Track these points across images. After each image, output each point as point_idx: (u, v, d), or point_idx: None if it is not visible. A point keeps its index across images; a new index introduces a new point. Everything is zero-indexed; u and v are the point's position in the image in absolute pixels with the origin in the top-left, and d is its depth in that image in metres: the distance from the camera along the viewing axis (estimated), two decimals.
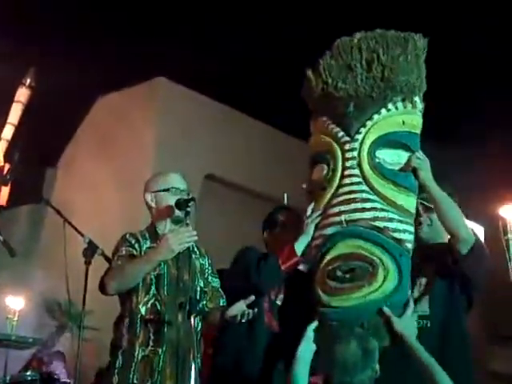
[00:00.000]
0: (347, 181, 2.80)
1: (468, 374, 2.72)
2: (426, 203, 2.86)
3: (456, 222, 2.73)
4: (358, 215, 2.76)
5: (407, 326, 2.52)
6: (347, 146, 2.83)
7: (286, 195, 3.40)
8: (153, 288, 2.77)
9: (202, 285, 2.88)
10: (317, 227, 2.82)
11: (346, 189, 2.79)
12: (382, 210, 2.77)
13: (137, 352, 2.70)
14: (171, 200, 2.84)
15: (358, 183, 2.79)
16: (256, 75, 9.88)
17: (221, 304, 2.89)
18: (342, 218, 2.77)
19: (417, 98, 2.93)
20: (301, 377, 2.41)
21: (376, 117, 2.85)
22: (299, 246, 2.81)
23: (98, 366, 5.55)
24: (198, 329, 2.74)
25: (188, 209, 2.74)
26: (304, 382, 2.40)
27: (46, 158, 11.82)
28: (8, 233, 11.01)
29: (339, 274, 2.66)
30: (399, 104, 2.88)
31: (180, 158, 9.78)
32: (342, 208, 2.78)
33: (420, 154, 2.74)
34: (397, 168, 2.82)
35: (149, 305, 2.75)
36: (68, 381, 4.72)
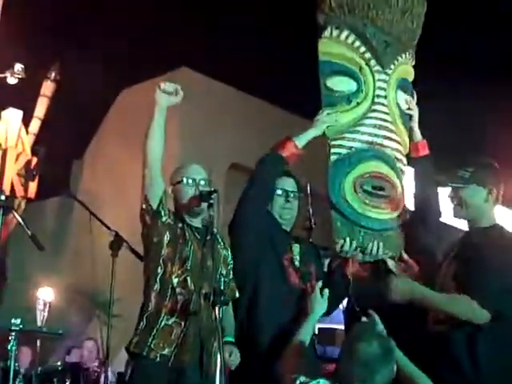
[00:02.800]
0: (378, 108, 3.03)
1: None
2: (453, 185, 2.85)
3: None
4: (386, 142, 3.02)
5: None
6: (379, 76, 3.05)
7: (309, 184, 3.40)
8: (187, 263, 2.82)
9: (224, 273, 2.92)
10: (337, 134, 3.00)
11: (379, 115, 3.03)
12: (399, 143, 3.07)
13: (161, 319, 2.75)
14: (187, 191, 2.89)
15: (387, 114, 3.04)
16: (279, 63, 9.85)
17: (236, 296, 2.96)
18: (374, 139, 3.00)
19: (413, 55, 3.24)
20: None
21: (400, 59, 3.12)
22: (302, 139, 2.99)
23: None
24: (221, 318, 2.77)
25: (211, 201, 2.77)
26: None
27: (72, 151, 11.95)
28: (36, 225, 11.16)
29: (370, 189, 2.91)
30: (409, 56, 3.18)
31: (204, 148, 9.80)
32: (375, 131, 3.01)
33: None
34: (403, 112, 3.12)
35: (181, 278, 2.80)
36: (97, 368, 4.80)
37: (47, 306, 7.06)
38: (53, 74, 9.30)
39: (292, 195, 3.08)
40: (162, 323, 2.77)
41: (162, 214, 2.83)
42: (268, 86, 10.41)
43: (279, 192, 3.05)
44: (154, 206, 2.82)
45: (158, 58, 10.67)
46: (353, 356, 2.28)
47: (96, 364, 5.01)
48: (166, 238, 2.84)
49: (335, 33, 3.04)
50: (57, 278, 9.51)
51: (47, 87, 9.31)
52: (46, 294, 7.95)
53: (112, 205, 9.59)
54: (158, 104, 2.84)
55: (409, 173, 3.26)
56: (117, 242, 3.11)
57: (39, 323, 6.47)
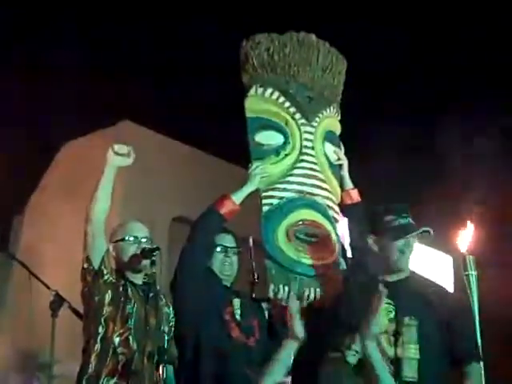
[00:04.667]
0: (307, 158, 3.16)
1: None
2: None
3: None
4: (316, 191, 3.14)
5: None
6: (305, 128, 3.19)
7: (251, 238, 3.44)
8: (129, 322, 2.79)
9: (166, 330, 2.90)
10: (267, 186, 3.08)
11: (307, 165, 3.16)
12: (331, 192, 3.19)
13: (101, 381, 2.70)
14: (129, 249, 2.89)
15: (315, 163, 3.17)
16: (220, 114, 9.98)
17: (176, 355, 2.95)
18: (304, 188, 3.10)
19: (339, 110, 3.39)
20: None
21: (325, 113, 3.28)
22: (239, 195, 3.02)
23: None
24: (165, 377, 2.75)
25: (153, 258, 2.77)
26: None
27: (11, 207, 11.69)
28: None
29: (304, 236, 2.99)
30: (334, 110, 3.34)
31: (147, 201, 9.73)
32: (304, 180, 3.13)
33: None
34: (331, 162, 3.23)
35: (123, 337, 2.76)
36: None
37: None
38: None
39: (231, 251, 3.11)
40: None
41: (104, 272, 2.81)
42: (211, 139, 10.53)
43: (218, 249, 3.08)
44: (96, 266, 2.80)
45: (98, 112, 10.67)
46: None
47: None
48: (108, 296, 2.81)
49: (260, 90, 3.19)
50: None
51: None
52: None
53: (53, 263, 9.37)
54: (109, 164, 2.85)
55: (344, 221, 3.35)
56: (57, 302, 3.07)
57: None
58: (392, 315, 2.67)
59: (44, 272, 3.94)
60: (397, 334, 2.64)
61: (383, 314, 2.66)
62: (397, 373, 2.57)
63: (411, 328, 2.64)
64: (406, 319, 2.66)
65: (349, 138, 3.41)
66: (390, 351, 2.63)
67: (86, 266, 2.84)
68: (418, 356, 2.60)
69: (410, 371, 2.60)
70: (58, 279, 4.63)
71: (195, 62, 9.96)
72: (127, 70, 10.86)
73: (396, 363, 2.61)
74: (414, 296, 2.72)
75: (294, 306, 2.57)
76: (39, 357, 6.80)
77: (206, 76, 10.27)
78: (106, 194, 2.82)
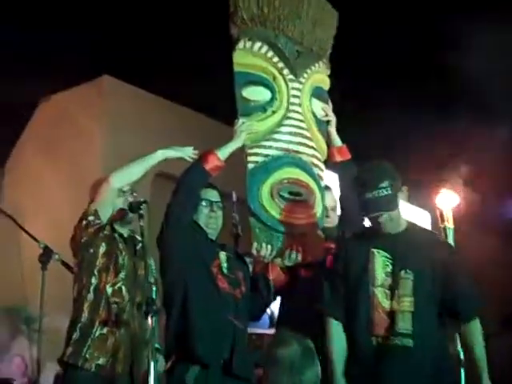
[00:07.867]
0: (293, 115, 3.13)
1: None
2: None
3: None
4: (302, 149, 3.13)
5: None
6: (293, 84, 3.15)
7: (234, 193, 3.50)
8: (122, 272, 2.86)
9: (152, 281, 2.99)
10: (253, 143, 3.06)
11: (294, 122, 3.13)
12: (316, 150, 3.18)
13: (95, 329, 2.78)
14: (121, 202, 2.95)
15: (302, 121, 3.15)
16: (203, 72, 9.92)
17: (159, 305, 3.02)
18: (290, 146, 3.09)
19: (328, 64, 3.38)
20: None
21: (313, 68, 3.25)
22: (225, 151, 2.99)
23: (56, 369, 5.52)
24: (155, 326, 2.83)
25: (141, 211, 2.84)
26: None
27: None
28: None
29: (288, 195, 3.01)
30: (323, 65, 3.31)
31: (128, 157, 9.71)
32: (291, 138, 3.11)
33: None
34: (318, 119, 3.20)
35: (116, 287, 2.84)
36: None
37: None
38: None
39: (216, 205, 3.15)
40: (97, 333, 2.80)
41: (105, 227, 2.89)
42: (193, 94, 10.46)
43: (204, 203, 3.11)
44: (104, 221, 2.87)
45: (79, 67, 10.53)
46: (276, 363, 2.24)
47: (25, 381, 4.90)
48: (102, 248, 2.89)
49: (248, 44, 3.14)
50: None
51: None
52: None
53: (35, 215, 9.37)
54: (167, 153, 2.98)
55: (332, 177, 3.38)
56: (46, 255, 3.12)
57: None
58: (389, 269, 2.65)
59: (26, 225, 3.97)
60: (393, 288, 2.63)
61: (381, 268, 2.65)
62: (392, 325, 2.58)
63: (407, 281, 2.62)
64: (402, 273, 2.63)
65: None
66: (386, 304, 2.63)
67: (91, 218, 2.89)
68: (412, 309, 2.59)
69: (404, 324, 2.59)
70: (40, 232, 4.66)
71: (176, 17, 9.84)
72: (110, 24, 10.68)
73: (391, 316, 2.60)
74: (411, 248, 2.65)
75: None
76: (25, 311, 6.87)
77: (190, 29, 10.14)
78: (142, 173, 2.87)
